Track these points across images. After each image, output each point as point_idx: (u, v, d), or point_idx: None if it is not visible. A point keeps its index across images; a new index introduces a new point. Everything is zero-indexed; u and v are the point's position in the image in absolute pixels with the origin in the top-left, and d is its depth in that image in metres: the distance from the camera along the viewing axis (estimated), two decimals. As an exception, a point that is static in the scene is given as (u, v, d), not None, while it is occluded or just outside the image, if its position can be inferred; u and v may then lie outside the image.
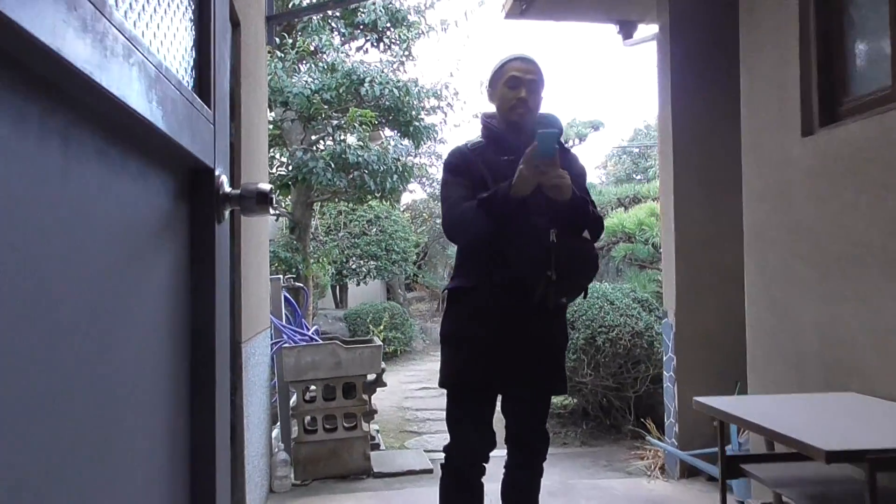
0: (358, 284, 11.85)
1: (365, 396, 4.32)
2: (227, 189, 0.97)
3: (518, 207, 2.27)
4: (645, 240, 7.03)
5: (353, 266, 11.23)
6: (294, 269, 5.78)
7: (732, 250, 3.93)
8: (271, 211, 6.82)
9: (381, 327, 9.88)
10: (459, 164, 2.48)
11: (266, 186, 0.99)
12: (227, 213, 0.97)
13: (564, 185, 2.24)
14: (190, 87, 0.90)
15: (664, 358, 4.21)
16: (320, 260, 7.91)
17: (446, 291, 2.54)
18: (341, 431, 4.27)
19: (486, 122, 2.57)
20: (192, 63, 0.92)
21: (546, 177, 2.22)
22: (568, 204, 2.28)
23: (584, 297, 2.50)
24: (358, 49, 7.27)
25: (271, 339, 4.38)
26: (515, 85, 2.45)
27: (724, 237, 4.00)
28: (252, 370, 3.26)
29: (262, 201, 0.99)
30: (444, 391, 2.50)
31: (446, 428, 2.48)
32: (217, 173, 0.95)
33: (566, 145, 2.68)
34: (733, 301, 3.95)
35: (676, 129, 4.09)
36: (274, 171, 5.82)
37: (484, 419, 2.43)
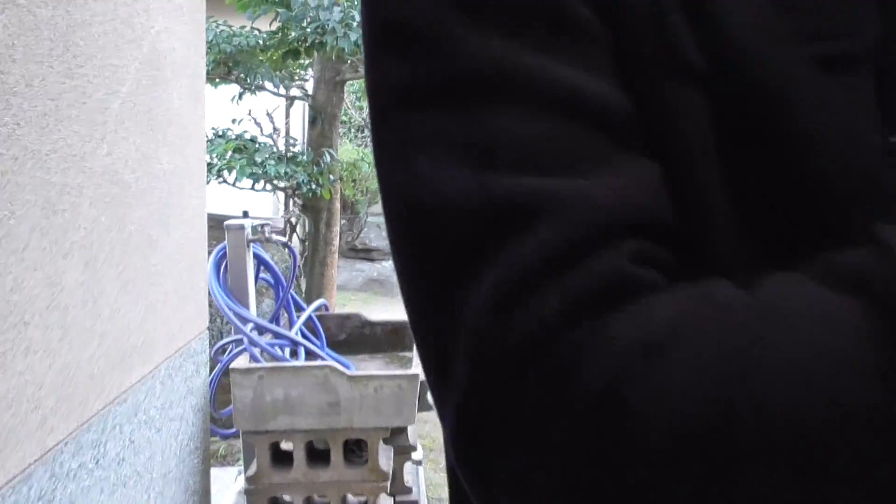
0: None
1: (385, 466, 2.28)
2: None
3: None
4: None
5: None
6: (306, 190, 3.62)
7: None
8: (281, 90, 4.59)
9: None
10: None
11: None
12: None
13: None
14: None
15: None
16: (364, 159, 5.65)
17: None
18: (339, 526, 2.29)
19: None
20: None
21: None
22: None
23: None
24: None
25: (220, 341, 2.39)
26: None
27: None
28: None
29: None
30: None
31: None
32: None
33: None
34: None
35: None
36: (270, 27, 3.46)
37: None
